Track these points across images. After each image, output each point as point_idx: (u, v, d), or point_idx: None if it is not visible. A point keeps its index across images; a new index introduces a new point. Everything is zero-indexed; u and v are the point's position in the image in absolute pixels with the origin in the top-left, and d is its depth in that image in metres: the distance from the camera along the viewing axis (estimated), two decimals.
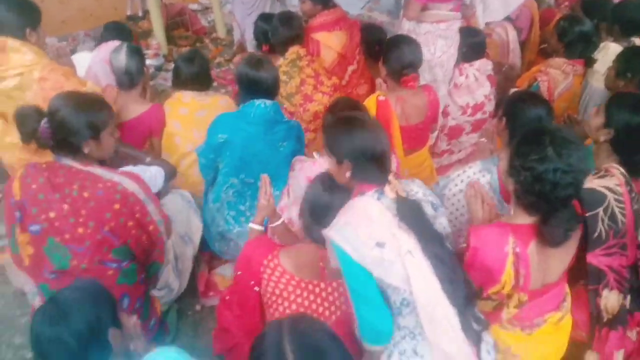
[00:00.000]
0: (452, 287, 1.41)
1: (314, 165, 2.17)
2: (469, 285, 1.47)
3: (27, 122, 1.80)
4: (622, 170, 1.93)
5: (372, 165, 1.55)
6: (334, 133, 1.63)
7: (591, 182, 1.83)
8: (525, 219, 1.58)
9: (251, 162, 2.40)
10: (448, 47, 3.16)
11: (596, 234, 1.80)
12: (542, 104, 2.28)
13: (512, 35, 3.79)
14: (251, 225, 2.00)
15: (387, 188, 1.50)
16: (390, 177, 1.51)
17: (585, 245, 1.82)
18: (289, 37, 2.99)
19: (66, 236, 1.82)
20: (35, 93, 2.30)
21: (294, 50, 2.99)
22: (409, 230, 1.42)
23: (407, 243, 1.40)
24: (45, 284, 1.90)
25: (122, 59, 2.61)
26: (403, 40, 2.69)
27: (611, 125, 2.04)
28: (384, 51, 2.68)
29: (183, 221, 2.50)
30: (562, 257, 1.67)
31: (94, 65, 2.83)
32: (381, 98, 2.60)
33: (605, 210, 1.81)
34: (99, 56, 2.83)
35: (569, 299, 1.82)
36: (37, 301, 1.98)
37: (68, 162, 1.84)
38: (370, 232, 1.41)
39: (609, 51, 3.16)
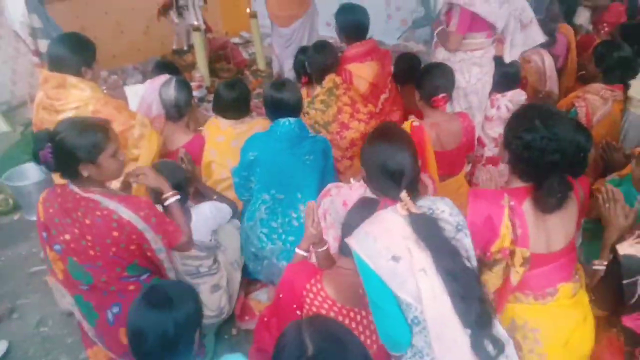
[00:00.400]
0: (465, 305, 1.41)
1: (351, 190, 2.21)
2: (484, 304, 1.47)
3: (36, 144, 1.82)
4: None
5: (383, 178, 1.65)
6: (366, 140, 1.79)
7: (631, 247, 1.72)
8: (518, 184, 1.75)
9: (279, 176, 2.54)
10: (483, 74, 3.22)
11: (634, 300, 1.71)
12: (580, 130, 2.28)
13: (549, 61, 3.77)
14: (297, 250, 2.04)
15: (398, 206, 1.52)
16: (402, 195, 1.52)
17: (622, 308, 1.76)
18: (325, 64, 3.09)
19: (81, 256, 1.90)
20: None
21: (330, 79, 3.07)
22: (426, 248, 1.44)
23: (422, 261, 1.42)
24: (79, 295, 2.00)
25: (172, 92, 2.78)
26: (437, 66, 2.78)
27: None
28: (419, 77, 2.75)
29: (235, 249, 2.65)
30: (562, 223, 1.76)
31: (148, 96, 2.96)
32: (415, 123, 2.61)
33: None
34: (153, 87, 2.96)
35: (582, 274, 1.88)
36: (76, 310, 2.06)
37: (73, 187, 1.88)
38: (388, 245, 1.44)
39: None
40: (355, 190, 2.15)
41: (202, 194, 2.69)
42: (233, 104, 2.86)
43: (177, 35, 5.87)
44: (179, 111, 2.81)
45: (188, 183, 2.46)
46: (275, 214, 2.59)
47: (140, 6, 5.78)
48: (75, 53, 2.50)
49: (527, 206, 1.70)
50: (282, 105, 2.53)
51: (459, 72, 3.05)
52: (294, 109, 2.56)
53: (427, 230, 1.46)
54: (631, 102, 3.12)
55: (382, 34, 6.05)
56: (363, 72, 3.17)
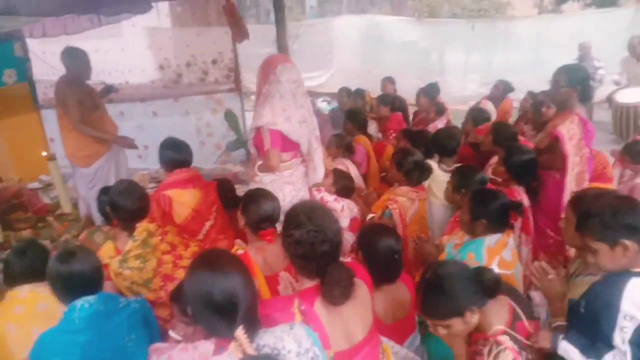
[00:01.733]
0: None
1: (186, 352, 1.85)
2: None
3: None
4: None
5: (212, 314, 1.44)
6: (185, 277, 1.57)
7: None
8: (309, 284, 1.78)
9: None
10: (297, 191, 3.32)
11: None
12: (391, 234, 2.50)
13: (353, 169, 4.15)
14: None
15: (232, 345, 1.36)
16: (237, 333, 1.35)
17: None
18: (131, 211, 2.78)
19: None
20: None
21: (143, 228, 2.74)
22: None
23: None
24: None
25: None
26: (261, 194, 2.72)
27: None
28: (243, 202, 2.70)
29: None
30: (358, 313, 1.79)
31: None
32: (240, 251, 2.55)
33: None
34: None
35: (388, 353, 1.92)
36: None
37: None
38: None
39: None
40: (192, 351, 1.78)
41: None
42: (29, 271, 2.39)
43: None
44: None
45: None
46: None
47: None
48: None
49: (319, 306, 1.71)
50: (75, 282, 2.04)
51: (273, 192, 3.09)
52: (91, 282, 2.08)
53: None
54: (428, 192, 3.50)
55: (198, 160, 6.01)
56: (184, 198, 3.06)
